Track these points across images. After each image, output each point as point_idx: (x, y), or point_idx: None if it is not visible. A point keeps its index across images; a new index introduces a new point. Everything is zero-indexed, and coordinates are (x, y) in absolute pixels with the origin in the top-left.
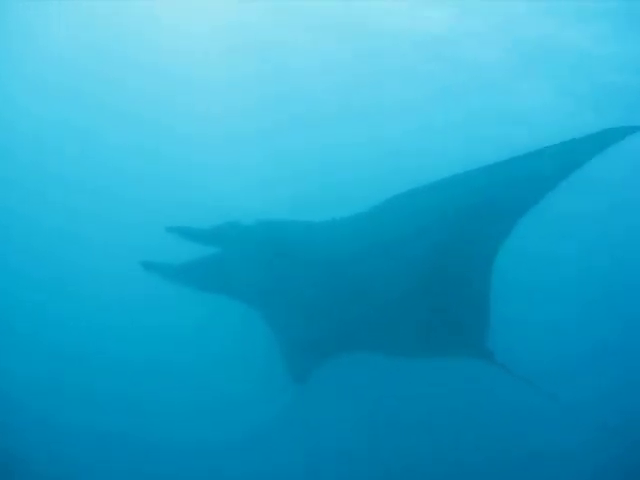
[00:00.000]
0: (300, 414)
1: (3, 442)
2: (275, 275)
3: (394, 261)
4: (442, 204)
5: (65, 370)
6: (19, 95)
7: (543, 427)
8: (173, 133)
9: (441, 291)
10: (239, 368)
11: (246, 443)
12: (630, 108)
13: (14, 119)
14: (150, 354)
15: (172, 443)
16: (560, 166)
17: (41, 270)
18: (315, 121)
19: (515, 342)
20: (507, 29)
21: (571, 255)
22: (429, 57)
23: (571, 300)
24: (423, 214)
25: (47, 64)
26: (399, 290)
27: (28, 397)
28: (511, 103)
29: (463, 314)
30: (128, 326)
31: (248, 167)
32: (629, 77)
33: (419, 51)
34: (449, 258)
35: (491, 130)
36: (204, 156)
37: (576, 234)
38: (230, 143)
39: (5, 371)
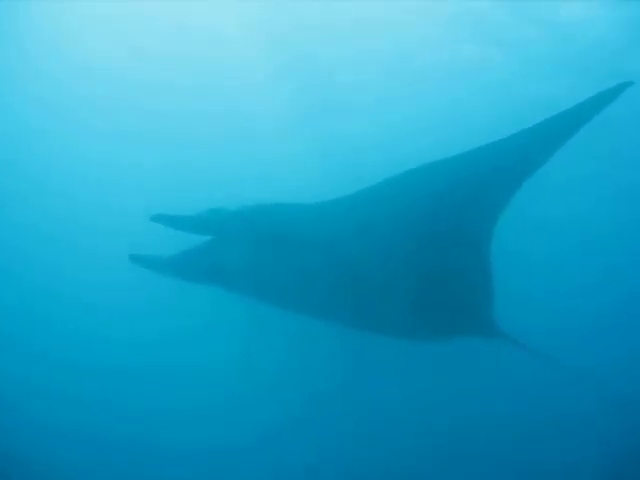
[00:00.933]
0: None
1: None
2: (264, 259)
3: (388, 239)
4: (437, 182)
5: (65, 373)
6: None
7: (558, 398)
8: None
9: (438, 267)
10: (243, 370)
11: (252, 447)
12: None
13: None
14: (151, 355)
15: (174, 447)
16: (554, 138)
17: (35, 272)
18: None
19: (519, 314)
20: None
21: (571, 220)
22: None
23: (574, 267)
24: (417, 193)
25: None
26: (394, 268)
27: (27, 399)
28: None
29: (463, 289)
30: (130, 326)
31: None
32: None
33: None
34: (446, 233)
35: None
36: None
37: (576, 199)
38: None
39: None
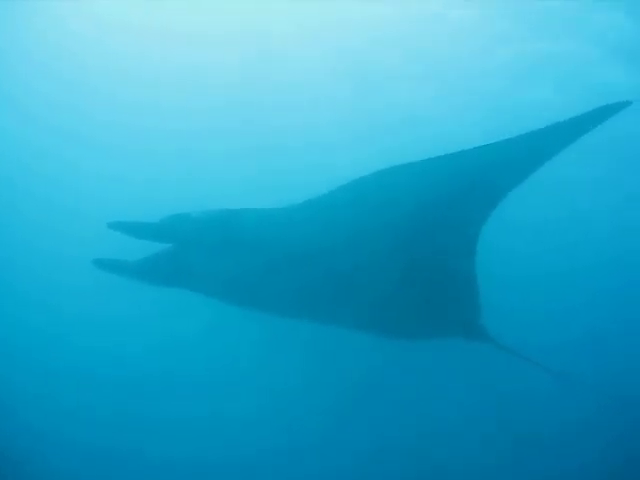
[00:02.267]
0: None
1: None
2: (234, 265)
3: (368, 242)
4: (425, 181)
5: (66, 382)
6: None
7: (547, 407)
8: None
9: (423, 268)
10: (245, 379)
11: (256, 460)
12: None
13: None
14: (153, 364)
15: (174, 460)
16: (553, 145)
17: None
18: None
19: (511, 320)
20: None
21: (567, 223)
22: None
23: (568, 271)
24: (400, 191)
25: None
26: (375, 269)
27: (28, 408)
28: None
29: (448, 289)
30: (130, 334)
31: None
32: None
33: None
34: (430, 233)
35: None
36: None
37: (572, 201)
38: None
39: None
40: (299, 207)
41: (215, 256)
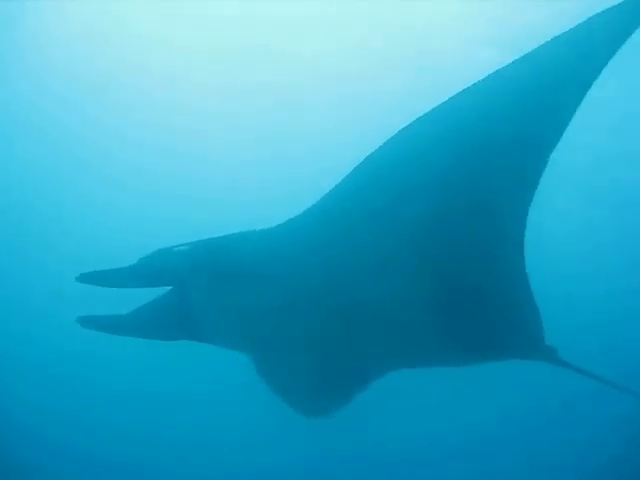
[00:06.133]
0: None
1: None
2: (234, 303)
3: (375, 250)
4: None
5: (70, 395)
6: None
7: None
8: None
9: (452, 273)
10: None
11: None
12: None
13: None
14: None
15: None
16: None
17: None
18: None
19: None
20: None
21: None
22: None
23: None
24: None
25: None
26: (392, 284)
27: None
28: None
29: (493, 301)
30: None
31: None
32: None
33: None
34: (455, 222)
35: None
36: None
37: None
38: None
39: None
40: (303, 216)
41: (208, 293)
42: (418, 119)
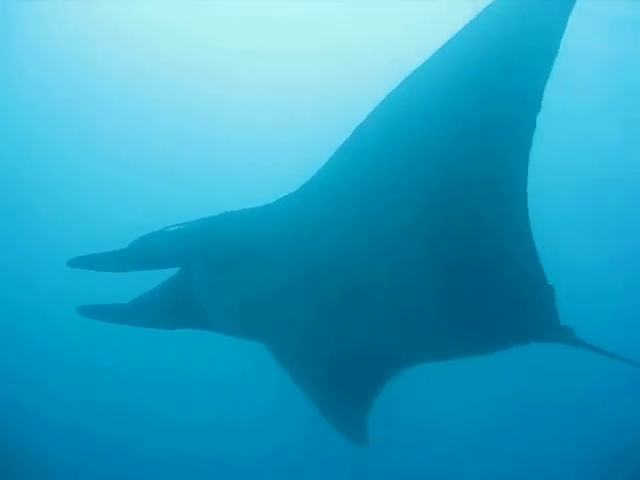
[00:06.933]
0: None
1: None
2: (233, 286)
3: (377, 227)
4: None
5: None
6: None
7: None
8: None
9: (456, 251)
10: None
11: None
12: None
13: None
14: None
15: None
16: None
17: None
18: None
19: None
20: None
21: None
22: None
23: None
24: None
25: None
26: (398, 265)
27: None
28: None
29: (504, 281)
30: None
31: None
32: None
33: None
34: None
35: None
36: None
37: None
38: None
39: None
40: (298, 192)
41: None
42: (405, 81)
